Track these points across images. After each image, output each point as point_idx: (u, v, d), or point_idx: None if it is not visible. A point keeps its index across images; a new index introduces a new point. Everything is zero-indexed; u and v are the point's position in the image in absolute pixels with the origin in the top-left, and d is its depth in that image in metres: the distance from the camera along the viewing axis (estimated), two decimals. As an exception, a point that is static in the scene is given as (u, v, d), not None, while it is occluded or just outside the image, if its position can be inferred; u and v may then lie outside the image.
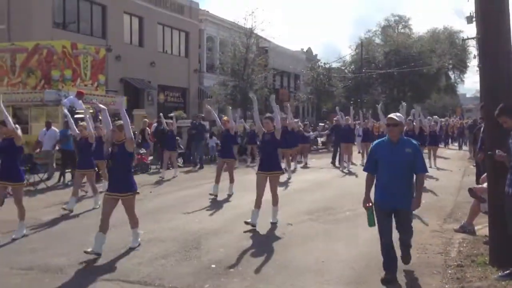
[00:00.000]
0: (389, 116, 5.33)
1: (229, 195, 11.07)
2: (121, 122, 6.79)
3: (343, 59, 54.35)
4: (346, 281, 5.51)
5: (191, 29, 33.08)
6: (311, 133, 23.06)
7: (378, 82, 52.59)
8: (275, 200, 8.34)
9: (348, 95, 47.20)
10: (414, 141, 5.33)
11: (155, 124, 18.95)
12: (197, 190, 12.15)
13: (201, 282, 5.47)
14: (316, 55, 56.24)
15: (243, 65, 28.93)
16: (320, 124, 32.29)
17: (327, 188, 12.54)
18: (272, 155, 8.45)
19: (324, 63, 43.95)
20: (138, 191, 6.91)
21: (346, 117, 17.82)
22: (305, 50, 54.18)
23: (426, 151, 16.51)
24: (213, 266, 6.01)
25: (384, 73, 48.17)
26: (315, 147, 27.94)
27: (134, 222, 7.00)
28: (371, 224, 5.40)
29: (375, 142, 5.56)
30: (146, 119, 15.83)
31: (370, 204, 5.35)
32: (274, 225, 8.13)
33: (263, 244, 7.06)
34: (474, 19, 28.47)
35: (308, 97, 41.08)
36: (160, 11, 29.81)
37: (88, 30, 25.57)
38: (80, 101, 16.15)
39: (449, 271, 5.69)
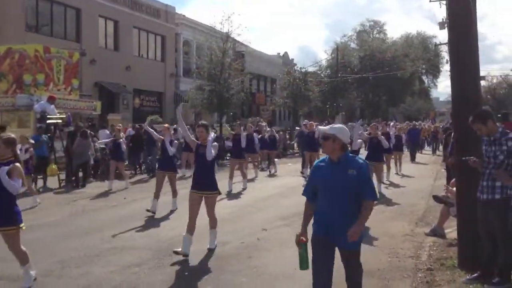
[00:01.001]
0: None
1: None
2: (11, 135, 5.55)
3: (319, 64, 54.91)
4: None
5: (167, 33, 32.94)
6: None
7: (353, 87, 53.29)
8: (212, 223, 7.18)
9: (324, 99, 47.59)
10: (362, 160, 4.19)
11: (130, 129, 18.86)
12: (170, 196, 12.02)
13: (174, 290, 5.46)
14: (292, 59, 56.59)
15: (220, 69, 28.87)
16: (296, 128, 32.46)
17: (301, 193, 12.60)
18: (208, 171, 7.11)
19: (300, 68, 44.27)
20: (22, 225, 5.40)
21: (310, 122, 16.80)
22: (281, 54, 54.48)
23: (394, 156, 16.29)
24: (187, 273, 6.00)
25: (359, 77, 48.79)
26: (291, 151, 28.11)
27: (21, 259, 5.53)
28: (303, 266, 4.20)
29: (316, 160, 4.44)
30: (120, 124, 15.66)
31: (304, 240, 4.16)
32: (212, 250, 7.05)
33: (237, 250, 7.07)
34: (446, 25, 29.09)
35: (284, 101, 41.26)
36: (135, 15, 29.62)
37: (62, 33, 25.23)
38: (52, 106, 15.95)
39: (419, 275, 5.80)
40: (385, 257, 6.61)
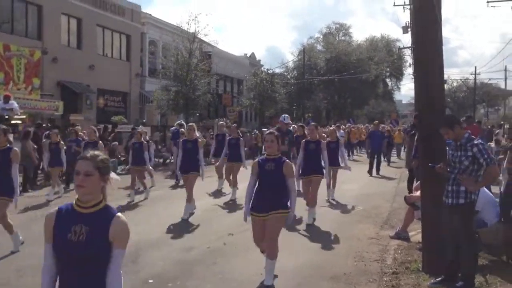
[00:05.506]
0: None
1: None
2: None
3: (286, 65, 55.21)
4: (285, 292, 5.52)
5: (132, 32, 32.37)
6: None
7: (319, 88, 53.81)
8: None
9: (291, 100, 47.88)
10: None
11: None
12: (131, 200, 11.73)
13: (137, 298, 5.30)
14: (259, 60, 56.72)
15: (186, 70, 28.63)
16: (263, 129, 32.48)
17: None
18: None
19: (267, 69, 44.38)
20: None
21: (234, 124, 14.52)
22: (248, 55, 54.49)
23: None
24: (151, 281, 5.84)
25: (325, 79, 49.29)
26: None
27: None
28: None
29: None
30: (78, 126, 15.05)
31: None
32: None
33: (203, 255, 6.95)
34: (409, 29, 29.67)
35: (251, 103, 41.27)
36: (100, 13, 28.97)
37: (23, 31, 24.36)
38: (16, 104, 15.22)
39: (385, 279, 5.83)
40: (351, 261, 6.62)
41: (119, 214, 2.77)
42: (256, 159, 5.80)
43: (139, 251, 7.10)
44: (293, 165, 8.26)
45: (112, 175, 2.89)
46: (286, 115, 11.69)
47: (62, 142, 12.28)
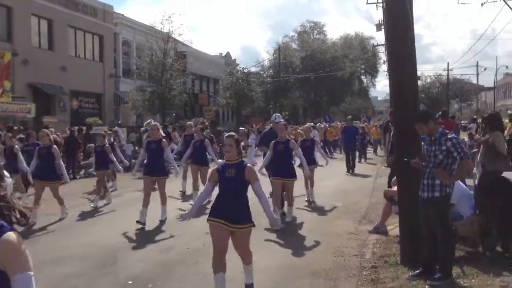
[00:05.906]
0: None
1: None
2: None
3: (262, 64, 55.31)
4: (265, 290, 5.51)
5: (105, 32, 31.94)
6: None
7: (295, 86, 54.08)
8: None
9: (267, 99, 48.00)
10: None
11: (68, 132, 18.16)
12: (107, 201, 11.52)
13: (117, 301, 5.23)
14: (235, 59, 56.64)
15: (161, 70, 28.43)
16: (240, 128, 32.44)
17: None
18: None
19: (243, 68, 44.39)
20: None
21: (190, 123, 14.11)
22: (224, 54, 54.36)
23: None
24: (130, 282, 5.77)
25: (301, 77, 49.55)
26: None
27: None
28: None
29: None
30: (52, 128, 14.59)
31: None
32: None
33: (183, 256, 6.90)
34: (382, 26, 29.99)
35: (227, 102, 41.22)
36: (71, 14, 28.50)
37: (-8, 33, 23.88)
38: None
39: (364, 273, 5.88)
40: (331, 257, 6.66)
41: (8, 233, 1.98)
42: (216, 167, 5.41)
43: (117, 253, 7.01)
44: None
45: (9, 180, 2.34)
46: (278, 114, 11.04)
47: (16, 146, 11.24)
